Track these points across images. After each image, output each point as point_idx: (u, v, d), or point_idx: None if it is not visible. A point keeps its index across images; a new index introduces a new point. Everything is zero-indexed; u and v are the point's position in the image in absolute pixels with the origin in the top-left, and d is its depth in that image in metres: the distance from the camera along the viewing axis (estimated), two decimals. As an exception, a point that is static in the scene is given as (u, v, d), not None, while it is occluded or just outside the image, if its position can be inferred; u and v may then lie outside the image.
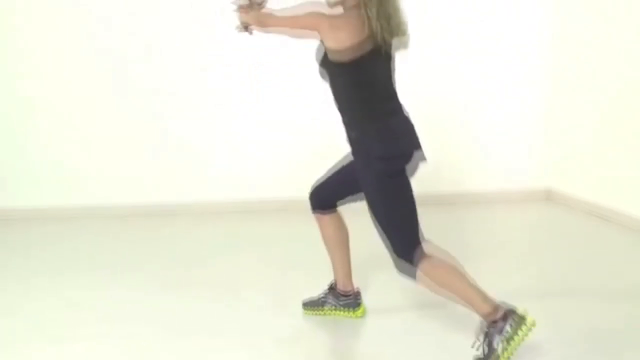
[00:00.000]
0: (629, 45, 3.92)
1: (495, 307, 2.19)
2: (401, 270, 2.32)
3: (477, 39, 4.59)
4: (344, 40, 2.18)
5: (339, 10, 2.31)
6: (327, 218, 2.61)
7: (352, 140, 2.35)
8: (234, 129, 4.50)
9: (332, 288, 2.72)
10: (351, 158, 2.40)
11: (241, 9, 2.45)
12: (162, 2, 4.34)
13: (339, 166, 2.54)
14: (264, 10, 2.42)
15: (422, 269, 2.26)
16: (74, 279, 3.21)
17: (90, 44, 4.31)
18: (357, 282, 2.71)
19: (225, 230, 4.13)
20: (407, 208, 2.30)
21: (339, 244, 2.64)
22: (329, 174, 2.59)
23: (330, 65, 2.28)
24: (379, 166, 2.25)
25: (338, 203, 2.60)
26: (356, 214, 2.56)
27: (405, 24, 2.29)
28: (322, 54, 2.32)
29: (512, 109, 4.68)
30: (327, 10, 2.27)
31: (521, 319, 2.14)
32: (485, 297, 2.23)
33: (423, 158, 2.36)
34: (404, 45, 2.34)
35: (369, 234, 2.40)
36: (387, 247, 2.33)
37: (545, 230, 4.17)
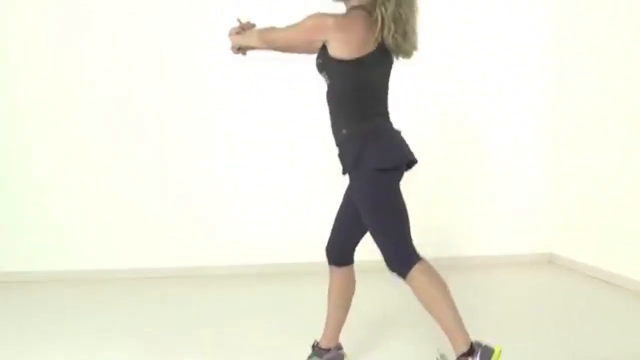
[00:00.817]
0: (630, 111, 3.96)
1: (467, 340, 2.22)
2: (392, 268, 2.31)
3: (479, 102, 4.66)
4: (349, 40, 2.17)
5: (341, 8, 2.30)
6: (339, 271, 2.58)
7: (342, 138, 2.31)
8: (238, 192, 4.50)
9: (314, 347, 2.67)
10: (346, 194, 2.43)
11: (233, 32, 2.49)
12: (165, 53, 4.39)
13: (340, 210, 2.54)
14: (261, 26, 2.42)
15: (414, 273, 2.26)
16: (71, 344, 3.14)
17: (91, 112, 4.34)
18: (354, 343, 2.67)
19: (227, 294, 4.05)
20: (400, 208, 2.29)
21: (342, 299, 2.61)
22: (336, 222, 2.57)
23: (331, 62, 2.24)
24: (372, 172, 2.23)
25: (354, 247, 2.56)
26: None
27: (417, 35, 2.28)
28: (320, 48, 2.28)
29: (514, 174, 4.75)
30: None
31: (491, 352, 2.16)
32: (462, 326, 2.25)
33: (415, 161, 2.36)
34: (408, 53, 2.30)
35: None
36: (380, 251, 2.32)
37: (547, 294, 4.14)
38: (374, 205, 2.27)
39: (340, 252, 2.57)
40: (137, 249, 4.44)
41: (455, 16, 4.59)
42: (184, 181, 4.46)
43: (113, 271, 4.39)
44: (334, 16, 2.18)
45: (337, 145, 2.35)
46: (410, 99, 4.30)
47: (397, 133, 2.35)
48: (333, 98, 2.33)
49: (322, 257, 3.87)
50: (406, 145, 2.34)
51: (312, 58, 2.34)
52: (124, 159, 4.39)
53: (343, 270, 2.58)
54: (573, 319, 3.51)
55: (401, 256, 2.28)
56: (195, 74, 4.43)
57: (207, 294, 4.12)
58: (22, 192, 4.35)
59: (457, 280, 4.35)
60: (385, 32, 2.16)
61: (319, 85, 2.41)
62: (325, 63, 2.26)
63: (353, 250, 2.58)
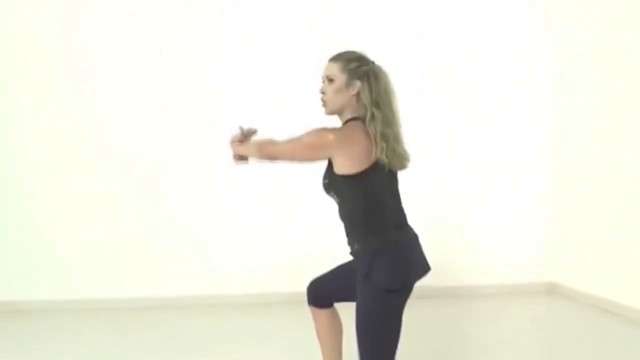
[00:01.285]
0: (629, 140, 3.99)
1: None
2: None
3: (484, 130, 4.70)
4: (353, 153, 2.12)
5: (337, 122, 2.27)
6: (321, 312, 2.57)
7: (354, 252, 2.27)
8: (235, 222, 4.47)
9: None
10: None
11: (234, 141, 2.43)
12: (165, 91, 4.37)
13: (343, 267, 2.49)
14: (262, 139, 2.35)
15: None
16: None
17: (91, 143, 4.33)
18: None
19: (224, 323, 4.04)
20: (394, 330, 2.21)
21: (331, 339, 2.59)
22: (330, 273, 2.53)
23: (336, 178, 2.19)
24: (379, 289, 2.14)
25: (336, 301, 2.54)
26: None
27: (407, 152, 2.26)
28: (326, 167, 2.24)
29: (515, 203, 4.76)
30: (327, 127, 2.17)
31: None
32: None
33: (427, 271, 2.28)
34: (400, 168, 2.25)
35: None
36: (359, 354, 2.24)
37: (548, 323, 4.13)
38: (370, 324, 2.19)
39: (321, 298, 2.56)
40: (136, 277, 4.39)
41: (454, 19, 4.63)
42: (182, 212, 4.43)
43: (111, 300, 4.35)
44: (334, 131, 2.13)
45: (352, 256, 2.32)
46: (415, 198, 4.38)
47: (411, 245, 2.27)
48: (345, 215, 2.28)
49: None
50: (419, 257, 2.27)
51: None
52: (122, 191, 4.38)
53: (325, 311, 2.57)
54: (574, 347, 3.50)
55: None
56: (196, 171, 4.45)
57: (207, 322, 4.09)
58: (22, 224, 4.32)
59: (458, 309, 4.38)
60: (378, 150, 2.13)
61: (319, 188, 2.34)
62: (333, 182, 2.22)
63: (332, 302, 2.57)
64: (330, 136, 2.10)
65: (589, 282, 4.39)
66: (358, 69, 2.21)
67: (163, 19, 4.35)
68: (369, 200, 2.19)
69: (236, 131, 2.47)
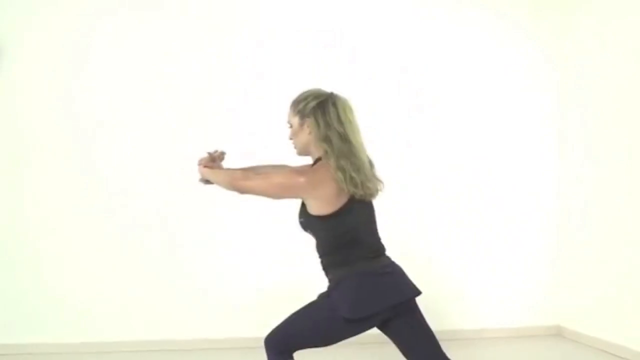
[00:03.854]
0: (636, 186, 4.01)
1: None
2: (266, 344, 2.28)
3: (485, 182, 4.72)
4: (325, 195, 2.14)
5: (308, 162, 2.30)
6: None
7: (329, 282, 2.30)
8: (230, 264, 4.43)
9: None
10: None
11: (202, 164, 2.41)
12: (163, 141, 4.36)
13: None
14: (234, 169, 2.35)
15: None
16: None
17: (88, 187, 4.29)
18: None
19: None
20: (318, 341, 2.26)
21: None
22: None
23: (310, 218, 2.22)
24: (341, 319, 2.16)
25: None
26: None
27: (375, 181, 2.26)
28: (300, 205, 2.27)
29: (521, 245, 4.76)
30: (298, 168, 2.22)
31: None
32: None
33: (409, 296, 2.25)
34: (367, 197, 2.23)
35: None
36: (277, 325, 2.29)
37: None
38: (307, 324, 2.24)
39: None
40: (135, 321, 4.34)
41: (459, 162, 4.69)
42: (180, 255, 4.40)
43: (110, 344, 4.29)
44: (305, 174, 2.14)
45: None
46: (422, 236, 4.54)
47: (385, 275, 2.24)
48: (320, 251, 2.32)
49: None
50: (392, 285, 2.24)
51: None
52: (117, 233, 4.34)
53: None
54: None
55: (281, 345, 2.26)
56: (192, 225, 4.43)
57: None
58: (20, 263, 4.27)
59: (463, 353, 4.33)
60: (338, 178, 2.13)
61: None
62: (308, 222, 2.25)
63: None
64: (301, 179, 2.12)
65: (595, 326, 4.35)
66: (306, 107, 2.25)
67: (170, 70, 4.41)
68: (342, 237, 2.21)
69: (204, 155, 2.46)
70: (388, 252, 2.37)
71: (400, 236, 4.22)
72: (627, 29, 4.08)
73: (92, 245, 4.35)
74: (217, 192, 4.24)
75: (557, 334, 4.72)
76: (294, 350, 2.28)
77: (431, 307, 4.54)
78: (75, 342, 4.29)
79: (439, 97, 4.69)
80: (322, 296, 2.33)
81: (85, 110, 4.33)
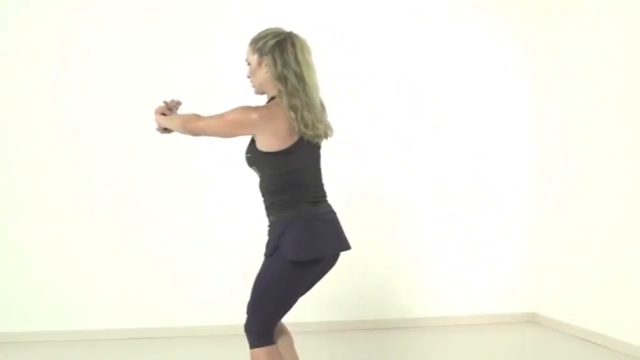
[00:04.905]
0: (614, 170, 4.06)
1: None
2: (247, 332, 2.32)
3: (467, 160, 4.77)
4: (276, 131, 2.18)
5: (263, 100, 2.32)
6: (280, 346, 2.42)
7: (270, 224, 2.34)
8: (219, 251, 4.45)
9: None
10: None
11: (158, 112, 2.47)
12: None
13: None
14: (187, 113, 2.38)
15: (260, 350, 2.27)
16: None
17: (83, 180, 4.33)
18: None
19: (217, 354, 4.03)
20: (286, 299, 2.29)
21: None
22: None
23: (258, 154, 2.26)
24: (285, 261, 2.21)
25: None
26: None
27: (325, 122, 2.31)
28: (249, 141, 2.31)
29: (497, 233, 4.82)
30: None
31: None
32: None
33: (345, 248, 2.35)
34: (318, 138, 2.30)
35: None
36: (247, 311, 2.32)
37: (529, 354, 4.16)
38: (267, 286, 2.27)
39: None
40: (123, 309, 4.35)
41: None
42: (167, 243, 4.42)
43: (97, 332, 4.31)
44: (257, 110, 2.18)
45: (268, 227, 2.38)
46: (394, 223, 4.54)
47: (327, 221, 2.33)
48: (263, 189, 2.35)
49: (314, 316, 3.92)
50: (333, 233, 2.33)
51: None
52: (101, 223, 4.35)
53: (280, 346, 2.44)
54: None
55: (260, 332, 2.30)
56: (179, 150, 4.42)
57: (196, 353, 4.06)
58: (6, 253, 4.28)
59: (439, 339, 4.42)
60: (290, 118, 2.19)
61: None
62: (254, 157, 2.28)
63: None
64: (254, 115, 2.16)
65: (570, 313, 4.49)
66: (265, 45, 2.27)
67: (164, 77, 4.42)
68: (288, 177, 2.27)
69: (160, 103, 2.51)
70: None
71: (398, 234, 4.34)
72: None
73: (76, 234, 4.35)
74: (204, 182, 4.37)
75: (533, 320, 4.87)
76: (273, 326, 2.32)
77: (405, 294, 4.69)
78: (57, 330, 4.29)
79: (438, 97, 4.76)
80: (265, 257, 2.34)
81: (83, 110, 4.35)
